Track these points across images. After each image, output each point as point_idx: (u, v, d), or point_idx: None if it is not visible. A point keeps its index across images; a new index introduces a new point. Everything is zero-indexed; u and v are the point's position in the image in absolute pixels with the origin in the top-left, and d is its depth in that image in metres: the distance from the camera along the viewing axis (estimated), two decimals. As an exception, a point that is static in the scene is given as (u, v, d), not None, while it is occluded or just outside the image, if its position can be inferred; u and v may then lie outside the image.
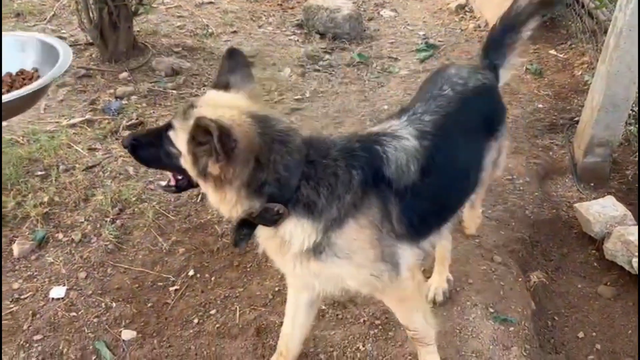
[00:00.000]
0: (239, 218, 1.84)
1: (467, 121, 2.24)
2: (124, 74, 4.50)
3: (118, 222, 3.12)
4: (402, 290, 2.12)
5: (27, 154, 3.54)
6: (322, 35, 5.35)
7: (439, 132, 2.10)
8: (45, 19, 5.35)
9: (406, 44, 5.23)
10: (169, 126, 1.82)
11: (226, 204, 1.80)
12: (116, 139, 3.78)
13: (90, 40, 4.75)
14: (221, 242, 3.03)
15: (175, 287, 2.79)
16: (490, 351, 2.51)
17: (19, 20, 5.34)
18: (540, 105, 4.23)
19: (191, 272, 2.87)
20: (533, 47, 4.94)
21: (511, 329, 2.63)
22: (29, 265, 2.86)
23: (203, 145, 1.68)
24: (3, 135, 3.71)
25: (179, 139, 1.78)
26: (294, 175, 1.80)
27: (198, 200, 3.29)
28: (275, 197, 1.78)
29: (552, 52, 4.90)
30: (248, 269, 2.88)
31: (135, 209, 3.21)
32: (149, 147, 1.90)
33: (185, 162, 1.78)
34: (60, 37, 5.02)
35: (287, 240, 1.88)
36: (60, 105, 4.17)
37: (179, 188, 1.99)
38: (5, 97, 2.57)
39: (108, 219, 3.12)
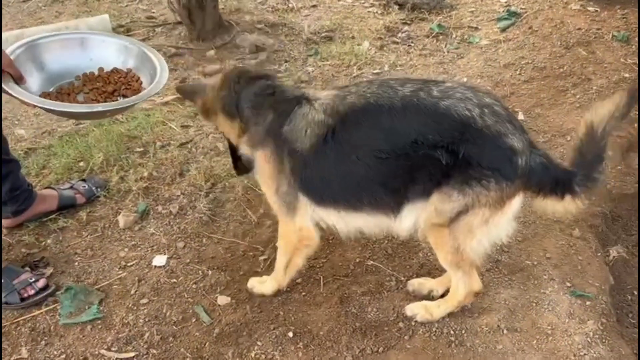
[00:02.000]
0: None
1: (401, 122, 2.19)
2: (211, 52, 4.73)
3: (211, 195, 3.36)
4: (284, 230, 2.56)
5: (127, 132, 3.83)
6: (401, 6, 5.36)
7: (351, 114, 2.25)
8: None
9: (487, 12, 5.17)
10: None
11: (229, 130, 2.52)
12: (206, 116, 4.01)
13: (179, 20, 5.00)
14: (305, 215, 3.21)
15: (264, 257, 3.00)
16: (566, 324, 2.58)
17: (113, 1, 5.66)
18: (627, 75, 4.12)
19: (278, 243, 3.07)
20: (621, 13, 4.78)
21: (588, 303, 2.68)
22: (133, 235, 3.15)
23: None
24: (105, 114, 4.03)
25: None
26: (249, 113, 2.41)
27: (283, 175, 3.48)
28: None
29: (642, 16, 4.71)
30: (330, 241, 3.05)
31: (226, 184, 3.43)
32: (235, 159, 2.66)
33: (218, 124, 2.58)
34: (151, 17, 5.32)
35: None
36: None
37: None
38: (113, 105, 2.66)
39: (202, 193, 3.37)
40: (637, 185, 3.35)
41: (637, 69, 4.16)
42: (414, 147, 2.17)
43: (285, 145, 2.32)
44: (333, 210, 2.43)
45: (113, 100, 2.73)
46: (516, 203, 2.26)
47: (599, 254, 2.95)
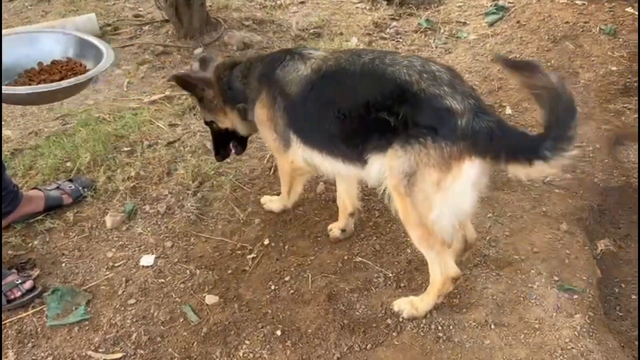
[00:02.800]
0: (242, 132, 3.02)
1: (357, 85, 2.44)
2: (199, 50, 4.71)
3: (199, 194, 3.35)
4: (281, 163, 2.92)
5: (114, 131, 3.81)
6: (389, 2, 5.36)
7: (329, 74, 2.52)
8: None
9: (475, 6, 5.17)
10: (208, 124, 3.07)
11: (237, 124, 2.97)
12: (194, 114, 4.00)
13: (166, 18, 4.97)
14: (293, 213, 3.20)
15: (252, 255, 2.99)
16: (554, 318, 2.58)
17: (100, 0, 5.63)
18: (614, 68, 4.13)
19: (266, 241, 3.06)
20: (608, 6, 4.77)
21: (575, 296, 2.68)
22: (121, 235, 3.13)
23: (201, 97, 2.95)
24: (92, 113, 4.01)
25: (207, 116, 3.03)
26: (239, 83, 2.84)
27: (271, 173, 3.47)
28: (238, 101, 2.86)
29: (629, 9, 4.71)
30: (319, 239, 3.05)
31: (214, 182, 3.42)
32: (220, 143, 3.11)
33: (217, 120, 3.00)
34: (138, 15, 5.30)
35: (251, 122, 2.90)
36: (141, 82, 4.43)
37: (241, 145, 3.15)
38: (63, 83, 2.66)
39: (189, 192, 3.35)
40: (624, 178, 3.36)
41: (624, 62, 4.16)
42: (366, 108, 2.38)
43: (278, 86, 2.66)
44: (317, 153, 2.66)
45: None
46: (469, 170, 2.25)
47: (587, 248, 2.96)
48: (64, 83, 2.63)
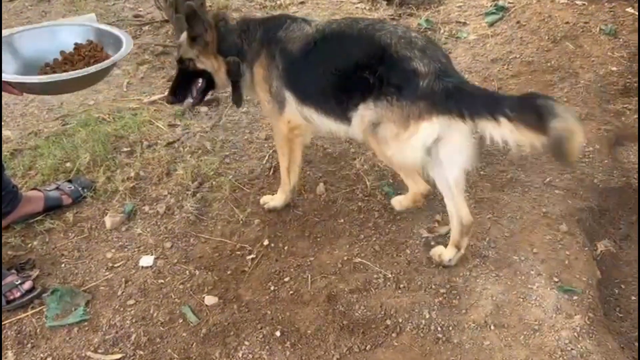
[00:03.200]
0: (231, 82, 3.01)
1: (351, 47, 2.68)
2: (199, 50, 4.69)
3: (198, 195, 3.34)
4: (277, 126, 3.04)
5: (114, 132, 3.81)
6: (389, 2, 5.36)
7: (329, 35, 2.75)
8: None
9: (475, 7, 5.16)
10: (179, 61, 3.01)
11: (217, 71, 2.97)
12: (194, 115, 4.00)
13: (166, 18, 4.97)
14: (293, 213, 3.20)
15: (251, 256, 2.99)
16: (553, 319, 2.57)
17: (100, 0, 5.63)
18: (614, 68, 4.12)
19: (266, 242, 3.06)
20: (608, 6, 4.78)
21: (575, 297, 2.68)
22: (120, 236, 3.13)
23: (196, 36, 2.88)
24: (92, 114, 4.01)
25: (188, 53, 2.95)
26: (236, 38, 2.94)
27: (270, 174, 3.47)
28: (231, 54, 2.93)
29: (630, 10, 4.71)
30: (318, 239, 3.05)
31: (213, 183, 3.42)
32: (183, 85, 3.04)
33: (197, 60, 2.95)
34: (138, 15, 5.29)
35: (247, 80, 3.00)
36: (141, 82, 4.43)
37: (202, 95, 3.09)
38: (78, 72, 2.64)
39: (189, 192, 3.35)
40: (624, 179, 3.35)
41: (624, 62, 4.16)
42: (355, 67, 2.62)
43: (279, 45, 2.83)
44: (313, 110, 2.86)
45: None
46: (427, 128, 2.47)
47: (586, 249, 2.95)
48: (91, 69, 2.62)
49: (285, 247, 3.03)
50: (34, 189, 3.29)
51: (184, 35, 2.99)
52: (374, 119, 2.59)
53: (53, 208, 3.24)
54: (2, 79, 2.47)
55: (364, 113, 2.62)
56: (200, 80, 3.04)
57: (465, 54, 4.48)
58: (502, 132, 2.31)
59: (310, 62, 2.77)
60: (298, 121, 2.94)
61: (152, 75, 4.49)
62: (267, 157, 3.59)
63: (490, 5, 5.08)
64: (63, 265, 2.98)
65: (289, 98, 2.88)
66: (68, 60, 2.81)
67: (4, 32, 2.82)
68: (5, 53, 2.68)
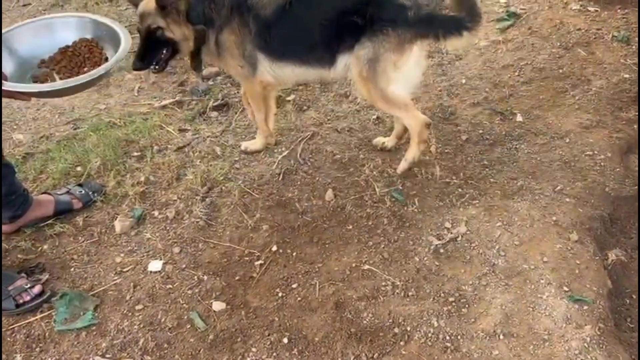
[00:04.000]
0: (194, 49, 3.15)
1: (331, 4, 3.03)
2: (210, 55, 4.70)
3: (207, 200, 3.35)
4: (250, 87, 3.32)
5: (125, 136, 3.82)
6: (401, 7, 5.33)
7: None
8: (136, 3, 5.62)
9: (486, 13, 5.10)
10: (148, 29, 3.08)
11: (185, 39, 3.10)
12: (204, 119, 4.01)
13: (178, 23, 4.98)
14: (302, 219, 3.19)
15: (260, 262, 2.99)
16: (563, 329, 2.55)
17: (112, 5, 5.65)
18: (627, 76, 4.08)
19: (274, 248, 3.05)
20: (621, 13, 4.73)
21: (585, 307, 2.65)
22: (129, 240, 3.14)
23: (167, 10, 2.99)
24: (103, 118, 4.02)
25: (158, 21, 3.03)
26: (205, 7, 3.04)
27: (280, 179, 3.46)
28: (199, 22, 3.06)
29: (643, 16, 4.67)
30: (327, 246, 3.04)
31: (223, 188, 3.42)
32: (148, 53, 3.12)
33: (166, 28, 3.04)
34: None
35: (211, 47, 3.16)
36: (152, 87, 4.44)
37: (165, 62, 3.20)
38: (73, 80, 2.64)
39: (198, 197, 3.35)
40: (636, 187, 3.31)
41: (636, 69, 4.11)
42: (342, 14, 2.98)
43: (251, 12, 3.03)
44: (289, 65, 3.18)
45: (82, 73, 2.74)
46: (416, 50, 3.03)
47: (597, 258, 2.92)
48: (85, 77, 2.62)
49: (294, 253, 3.02)
50: (45, 192, 3.31)
51: (146, 4, 3.06)
52: (371, 55, 2.98)
53: (63, 212, 3.25)
54: (11, 89, 2.47)
55: (360, 53, 2.99)
56: (166, 48, 3.15)
57: (476, 60, 4.45)
58: (461, 42, 2.98)
59: (289, 21, 3.03)
60: (270, 79, 3.24)
61: (163, 80, 4.50)
62: (276, 163, 3.58)
63: (502, 12, 5.03)
64: (72, 269, 2.99)
65: (262, 60, 3.15)
66: (65, 56, 2.84)
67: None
68: (5, 55, 2.70)
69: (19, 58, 2.78)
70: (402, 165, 3.41)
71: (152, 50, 3.14)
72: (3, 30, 2.80)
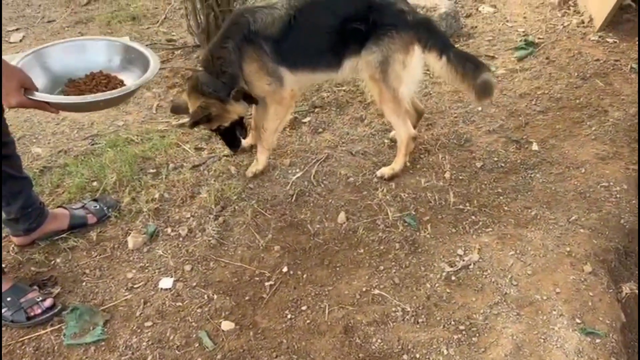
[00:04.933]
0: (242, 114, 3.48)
1: (334, 8, 3.26)
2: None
3: (220, 219, 3.36)
4: (280, 97, 3.41)
5: (141, 153, 3.86)
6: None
7: (304, 7, 3.23)
8: (157, 21, 5.73)
9: (504, 41, 5.14)
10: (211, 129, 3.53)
11: (235, 113, 3.43)
12: (220, 138, 4.02)
13: (198, 43, 5.05)
14: (313, 241, 3.19)
15: (270, 283, 2.98)
16: (574, 363, 2.52)
17: (134, 23, 5.75)
18: (645, 107, 4.06)
19: (285, 269, 3.05)
20: (641, 44, 4.73)
21: (598, 341, 2.61)
22: (142, 257, 3.15)
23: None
24: (121, 134, 4.07)
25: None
26: (214, 71, 3.32)
27: (293, 200, 3.47)
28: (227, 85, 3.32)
29: (662, 49, 4.66)
30: (337, 269, 3.03)
31: (236, 207, 3.43)
32: (230, 139, 3.59)
33: (223, 120, 3.42)
34: (171, 40, 5.40)
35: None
36: (170, 105, 4.48)
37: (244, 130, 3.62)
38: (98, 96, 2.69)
39: (211, 216, 3.37)
40: (652, 220, 3.28)
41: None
42: (344, 22, 3.23)
43: (259, 36, 3.22)
44: (306, 72, 3.41)
45: None
46: (417, 50, 3.28)
47: (611, 291, 2.89)
48: (115, 92, 2.69)
49: (304, 275, 3.01)
50: (60, 206, 3.34)
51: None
52: (381, 58, 3.23)
53: (78, 226, 3.28)
54: (41, 99, 2.51)
55: (369, 58, 3.26)
56: (236, 127, 3.52)
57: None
58: (435, 64, 3.30)
59: (297, 34, 3.23)
60: (295, 86, 3.43)
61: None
62: (290, 184, 3.59)
63: (520, 41, 5.05)
64: (84, 283, 3.00)
65: (284, 71, 3.33)
66: (89, 80, 2.90)
67: (37, 46, 2.92)
68: (36, 67, 2.75)
69: (51, 75, 2.83)
70: (386, 172, 3.59)
71: (231, 134, 3.53)
72: (39, 47, 2.90)
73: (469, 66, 3.27)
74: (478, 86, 3.27)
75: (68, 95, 2.79)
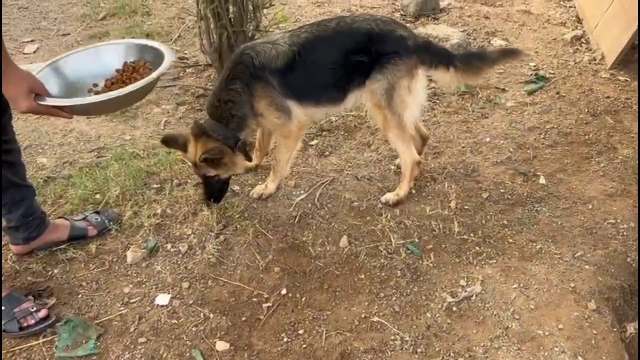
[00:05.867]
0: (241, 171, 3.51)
1: (335, 43, 3.26)
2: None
3: (221, 237, 3.33)
4: (288, 130, 3.40)
5: (146, 167, 3.85)
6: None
7: (307, 43, 3.23)
8: (171, 39, 5.77)
9: (515, 74, 5.14)
10: (207, 177, 3.35)
11: (241, 167, 3.44)
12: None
13: (210, 62, 5.08)
14: (314, 264, 3.16)
15: (268, 304, 2.94)
16: (576, 402, 2.45)
17: (148, 39, 5.79)
18: (654, 146, 4.03)
19: (284, 291, 3.01)
20: (653, 82, 4.72)
21: (600, 381, 2.55)
22: (140, 272, 3.12)
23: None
24: (127, 148, 4.07)
25: (211, 170, 3.31)
26: (228, 121, 3.28)
27: (295, 222, 3.45)
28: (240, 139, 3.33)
29: (673, 89, 4.64)
30: (337, 293, 2.99)
31: (238, 226, 3.41)
32: (214, 192, 3.44)
33: (221, 174, 3.34)
34: (183, 57, 5.43)
35: (252, 126, 3.41)
36: (178, 122, 4.49)
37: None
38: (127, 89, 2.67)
39: (212, 234, 3.34)
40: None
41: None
42: (347, 57, 3.25)
43: (266, 70, 3.20)
44: (310, 106, 3.38)
45: None
46: (421, 74, 3.33)
47: (615, 329, 2.83)
48: (127, 89, 2.64)
49: (303, 298, 2.97)
50: (62, 217, 3.33)
51: (194, 156, 3.26)
52: (386, 86, 3.25)
53: (78, 238, 3.26)
54: (51, 104, 2.50)
55: (374, 87, 3.27)
56: (227, 182, 3.50)
57: (502, 120, 4.44)
58: (445, 77, 3.39)
59: (301, 70, 3.23)
60: (303, 119, 3.40)
61: (190, 116, 4.56)
62: (293, 205, 3.57)
63: (531, 74, 5.05)
64: (80, 296, 2.97)
65: (292, 105, 3.32)
66: (118, 80, 2.88)
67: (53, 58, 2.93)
68: (52, 77, 2.75)
69: (66, 83, 2.82)
70: (391, 198, 3.58)
71: (222, 187, 3.46)
72: (56, 57, 2.91)
73: (475, 61, 3.40)
74: (496, 55, 3.49)
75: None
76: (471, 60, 3.41)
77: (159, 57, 2.85)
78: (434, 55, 3.34)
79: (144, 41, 3.06)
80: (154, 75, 2.71)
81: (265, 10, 5.00)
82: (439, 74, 3.39)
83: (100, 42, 3.42)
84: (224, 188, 3.48)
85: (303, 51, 3.22)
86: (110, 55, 2.99)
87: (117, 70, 2.93)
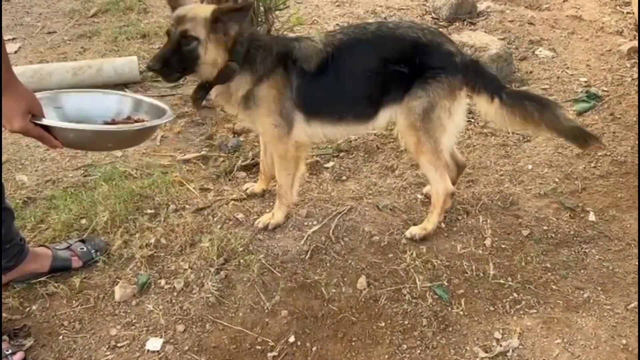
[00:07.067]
0: (211, 81, 3.25)
1: (374, 49, 3.32)
2: (243, 108, 4.85)
3: (222, 273, 3.37)
4: (284, 149, 3.44)
5: (139, 190, 3.92)
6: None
7: (342, 46, 3.29)
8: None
9: (563, 91, 5.18)
10: (183, 34, 3.11)
11: (213, 65, 3.18)
12: (229, 179, 4.09)
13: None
14: (327, 308, 3.18)
15: (273, 354, 2.97)
16: None
17: (144, 41, 5.91)
18: None
19: (292, 339, 3.03)
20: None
21: None
22: (129, 311, 3.17)
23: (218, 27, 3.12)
24: (118, 167, 4.14)
25: (198, 31, 3.10)
26: (250, 47, 3.26)
27: (307, 258, 3.48)
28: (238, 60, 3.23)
29: None
30: (353, 343, 3.01)
31: (241, 261, 3.45)
32: (172, 58, 3.13)
33: (202, 43, 3.12)
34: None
35: (237, 97, 3.32)
36: (177, 137, 4.57)
37: (179, 76, 3.34)
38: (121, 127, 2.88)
39: (212, 269, 3.38)
40: None
41: None
42: (386, 65, 3.29)
43: (296, 65, 3.28)
44: (325, 124, 3.43)
45: None
46: (464, 96, 3.40)
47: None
48: (137, 125, 2.87)
49: (314, 348, 3.00)
50: (43, 245, 3.39)
51: (195, 9, 3.17)
52: (426, 105, 3.28)
53: (60, 270, 3.31)
54: (50, 124, 2.58)
55: (412, 104, 3.30)
56: (188, 62, 3.18)
57: (547, 144, 4.47)
58: (488, 108, 3.38)
59: (330, 76, 3.29)
60: (304, 140, 3.45)
61: (189, 131, 4.64)
62: (305, 238, 3.61)
63: (581, 92, 5.07)
64: (61, 337, 3.02)
65: (299, 119, 3.37)
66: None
67: (46, 70, 3.04)
68: (50, 109, 2.82)
69: (64, 115, 2.90)
70: (417, 232, 3.61)
71: (176, 59, 3.16)
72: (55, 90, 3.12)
73: (531, 105, 3.34)
74: (569, 131, 3.44)
75: None
76: (524, 100, 3.38)
77: (155, 110, 3.03)
78: (479, 78, 3.36)
79: (151, 100, 3.19)
80: (163, 119, 2.92)
81: (278, 12, 5.09)
82: (481, 102, 3.40)
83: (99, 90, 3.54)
84: (183, 64, 3.18)
85: (337, 55, 3.28)
86: (111, 103, 3.13)
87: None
